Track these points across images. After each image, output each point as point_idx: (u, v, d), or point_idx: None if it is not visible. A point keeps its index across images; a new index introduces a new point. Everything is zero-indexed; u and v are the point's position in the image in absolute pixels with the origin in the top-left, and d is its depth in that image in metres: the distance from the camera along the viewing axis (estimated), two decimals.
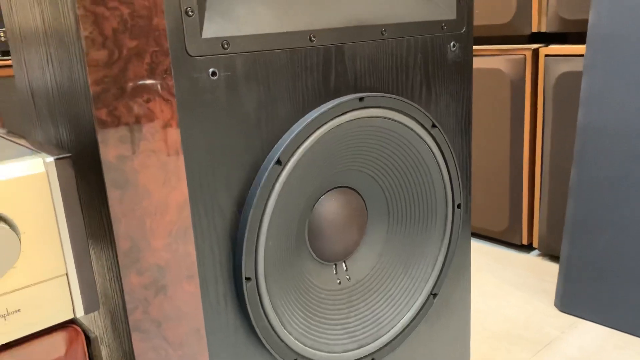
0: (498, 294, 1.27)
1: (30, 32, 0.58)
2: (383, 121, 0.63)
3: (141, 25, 0.46)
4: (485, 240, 1.56)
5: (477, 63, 1.42)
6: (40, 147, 0.47)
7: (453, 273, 0.76)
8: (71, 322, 0.46)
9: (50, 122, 0.59)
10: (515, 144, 1.41)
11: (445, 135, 0.68)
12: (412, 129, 0.65)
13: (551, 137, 1.33)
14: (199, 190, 0.53)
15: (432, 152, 0.68)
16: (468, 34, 0.70)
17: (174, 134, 0.49)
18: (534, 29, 1.34)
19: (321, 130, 0.58)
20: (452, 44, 0.69)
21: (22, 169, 0.39)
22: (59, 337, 0.44)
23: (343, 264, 0.68)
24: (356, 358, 0.65)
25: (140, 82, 0.46)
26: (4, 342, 0.40)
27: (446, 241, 0.71)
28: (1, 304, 0.39)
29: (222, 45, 0.51)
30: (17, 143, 0.49)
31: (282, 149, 0.55)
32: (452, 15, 0.68)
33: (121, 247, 0.47)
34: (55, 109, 0.56)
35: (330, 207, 0.65)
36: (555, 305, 1.20)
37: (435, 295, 0.72)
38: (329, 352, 0.63)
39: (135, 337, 0.49)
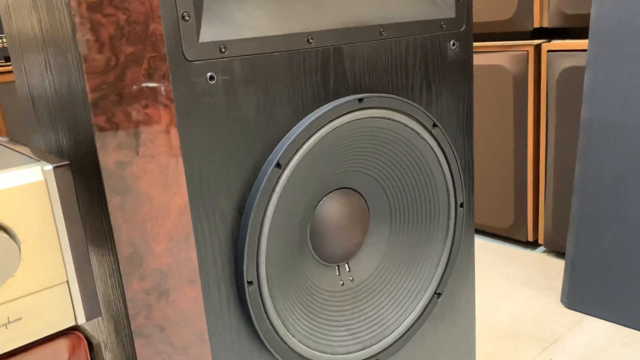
0: (504, 292, 1.26)
1: (29, 39, 0.58)
2: (383, 122, 0.63)
3: (138, 31, 0.46)
4: (491, 237, 1.56)
5: (480, 60, 1.41)
6: (39, 154, 0.47)
7: (457, 272, 0.75)
8: (74, 329, 0.46)
9: (51, 129, 0.60)
10: (519, 141, 1.40)
11: (446, 135, 0.68)
12: (412, 129, 0.65)
13: (555, 133, 1.33)
14: (200, 194, 0.53)
15: (434, 152, 0.67)
16: (468, 32, 0.70)
17: (173, 139, 0.49)
18: (536, 25, 1.33)
19: (321, 132, 0.57)
20: (451, 42, 0.68)
21: (20, 177, 0.39)
22: (62, 344, 0.44)
23: (346, 265, 0.68)
24: (360, 359, 0.65)
25: (138, 88, 0.47)
26: (6, 351, 0.40)
27: (449, 240, 0.71)
28: (2, 313, 0.39)
29: (220, 50, 0.51)
30: (16, 151, 0.49)
31: (281, 152, 0.55)
32: (452, 14, 0.68)
33: (122, 253, 0.47)
34: (55, 115, 0.57)
35: (332, 208, 0.65)
36: (562, 302, 1.20)
37: (439, 294, 0.72)
38: (332, 353, 0.63)
39: (138, 342, 0.49)
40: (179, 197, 0.50)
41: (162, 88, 0.48)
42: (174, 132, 0.49)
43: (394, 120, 0.63)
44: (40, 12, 0.52)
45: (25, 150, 0.52)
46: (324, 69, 0.58)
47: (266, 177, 0.54)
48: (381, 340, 0.67)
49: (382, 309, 0.68)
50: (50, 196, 0.40)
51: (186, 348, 0.52)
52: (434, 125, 0.66)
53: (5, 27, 0.67)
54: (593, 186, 1.13)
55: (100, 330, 0.60)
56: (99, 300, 0.56)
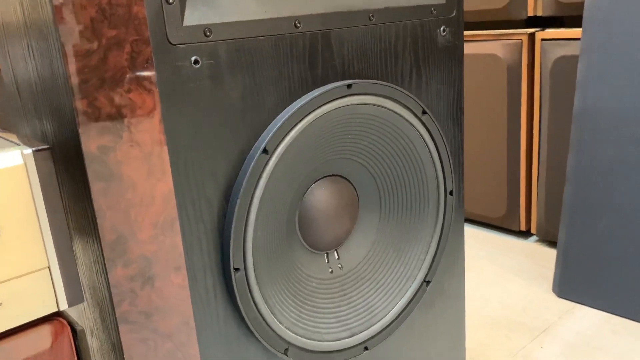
0: (496, 281, 1.27)
1: (12, 23, 0.57)
2: (372, 108, 0.62)
3: (120, 14, 0.45)
4: (484, 226, 1.56)
5: (473, 48, 1.41)
6: (21, 140, 0.46)
7: (446, 260, 0.75)
8: (57, 315, 0.45)
9: (35, 115, 0.59)
10: (513, 130, 1.40)
11: (436, 122, 0.67)
12: (402, 116, 0.64)
13: (548, 122, 1.32)
14: (185, 181, 0.53)
15: (423, 139, 0.67)
16: (458, 18, 0.69)
17: (157, 124, 0.48)
18: (530, 13, 1.32)
19: (308, 118, 0.57)
20: (442, 28, 0.68)
21: None
22: (45, 330, 0.44)
23: (335, 252, 0.68)
24: (348, 346, 0.65)
25: (121, 72, 0.46)
26: None
27: (439, 228, 0.71)
28: None
29: (205, 33, 0.50)
30: None
31: (268, 138, 0.54)
32: (442, 0, 0.67)
33: (106, 239, 0.47)
34: (39, 101, 0.56)
35: (321, 195, 0.64)
36: (553, 290, 1.20)
37: (428, 282, 0.71)
38: (320, 340, 0.63)
39: (123, 328, 0.49)
40: (164, 183, 0.50)
41: (146, 72, 0.47)
42: (157, 117, 0.48)
43: (383, 107, 0.63)
44: None
45: (9, 136, 0.51)
46: (311, 54, 0.58)
47: (253, 162, 0.54)
48: (369, 327, 0.67)
49: (370, 296, 0.68)
50: (31, 181, 0.39)
51: (172, 335, 0.52)
52: (424, 112, 0.66)
53: None
54: (585, 175, 1.13)
55: (86, 317, 0.59)
56: (85, 286, 0.56)
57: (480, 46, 1.39)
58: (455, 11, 0.68)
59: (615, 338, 1.03)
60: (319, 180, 0.64)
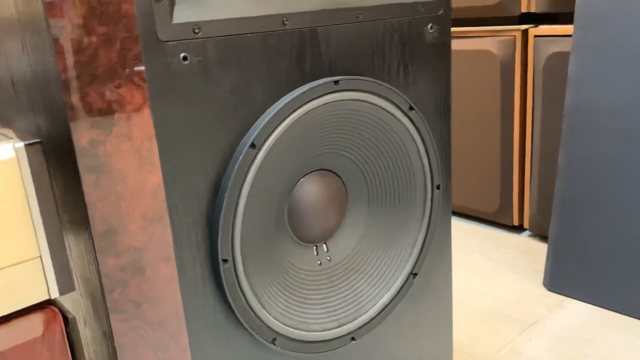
0: (488, 275, 1.28)
1: (7, 19, 0.59)
2: (360, 104, 0.64)
3: (110, 11, 0.47)
4: (477, 221, 1.57)
5: (467, 44, 1.42)
6: (16, 134, 0.48)
7: (433, 253, 0.77)
8: (49, 303, 0.47)
9: (30, 110, 0.60)
10: (506, 125, 1.41)
11: (423, 118, 0.69)
12: (389, 112, 0.66)
13: (541, 118, 1.34)
14: (175, 174, 0.54)
15: (410, 134, 0.68)
16: (446, 15, 0.70)
17: (147, 119, 0.50)
18: (524, 10, 1.33)
19: (296, 113, 0.58)
20: (429, 26, 0.69)
21: None
22: (37, 318, 0.45)
23: (324, 245, 0.69)
24: (336, 336, 0.67)
25: (111, 68, 0.47)
26: None
27: (426, 221, 0.72)
28: None
29: (193, 30, 0.51)
30: None
31: (256, 133, 0.56)
32: None
33: (97, 230, 0.48)
34: (32, 96, 0.57)
35: (310, 189, 0.66)
36: (544, 284, 1.21)
37: (415, 275, 0.73)
38: (308, 330, 0.64)
39: (113, 317, 0.51)
40: (154, 176, 0.51)
41: (135, 68, 0.48)
42: (147, 112, 0.50)
43: (370, 102, 0.64)
44: None
45: (5, 130, 0.53)
46: (299, 51, 0.59)
47: (241, 157, 0.55)
48: (357, 318, 0.68)
49: (358, 287, 0.69)
50: (22, 173, 0.41)
51: (161, 324, 0.54)
52: (411, 108, 0.67)
53: None
54: (577, 171, 1.14)
55: (79, 306, 0.61)
56: (77, 276, 0.58)
57: (473, 42, 1.41)
58: (442, 9, 0.70)
59: (604, 331, 1.05)
60: (308, 174, 0.65)
